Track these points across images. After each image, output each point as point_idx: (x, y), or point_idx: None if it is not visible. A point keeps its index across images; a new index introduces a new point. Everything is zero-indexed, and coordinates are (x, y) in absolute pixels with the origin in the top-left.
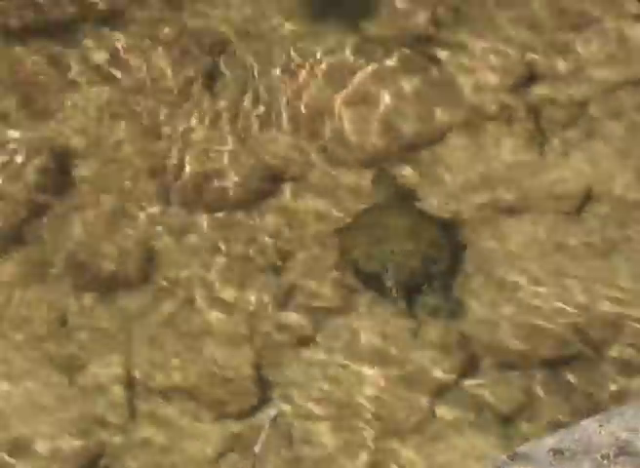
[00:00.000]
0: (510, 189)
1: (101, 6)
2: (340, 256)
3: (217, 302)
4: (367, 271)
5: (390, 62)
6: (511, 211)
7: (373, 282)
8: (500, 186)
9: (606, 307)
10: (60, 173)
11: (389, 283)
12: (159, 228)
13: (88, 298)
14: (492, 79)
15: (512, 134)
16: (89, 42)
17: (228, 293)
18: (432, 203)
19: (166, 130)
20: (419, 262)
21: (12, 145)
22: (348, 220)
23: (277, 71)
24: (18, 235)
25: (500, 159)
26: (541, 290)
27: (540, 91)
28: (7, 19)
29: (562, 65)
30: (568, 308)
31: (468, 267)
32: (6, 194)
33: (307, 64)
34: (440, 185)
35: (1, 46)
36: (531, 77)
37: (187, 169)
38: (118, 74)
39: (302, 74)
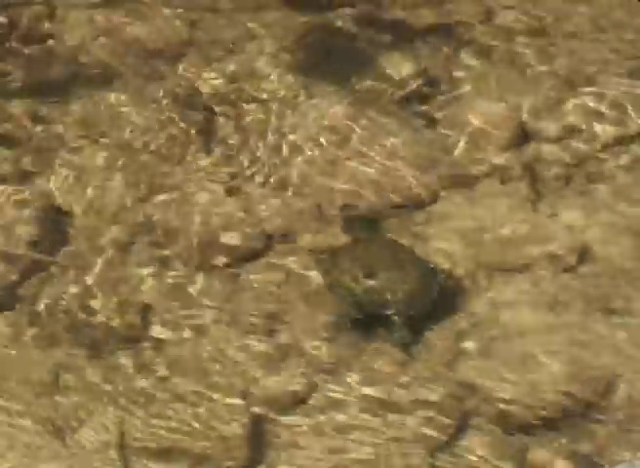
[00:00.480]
0: (504, 247)
1: (94, 66)
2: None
3: (210, 362)
4: (366, 302)
5: (383, 121)
6: (505, 268)
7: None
8: (494, 245)
9: (601, 367)
10: (52, 231)
11: (392, 311)
12: (153, 286)
13: (82, 357)
14: (485, 138)
15: (506, 192)
16: (81, 101)
17: (222, 353)
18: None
19: (160, 187)
20: (413, 288)
21: (4, 204)
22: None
23: (270, 129)
24: (10, 294)
25: (493, 218)
26: (536, 348)
27: (534, 150)
28: (3, 78)
29: (556, 124)
30: (562, 367)
31: (462, 324)
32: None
33: (300, 122)
34: (433, 244)
35: None
36: (525, 136)
37: (179, 227)
38: (112, 132)
39: (295, 132)
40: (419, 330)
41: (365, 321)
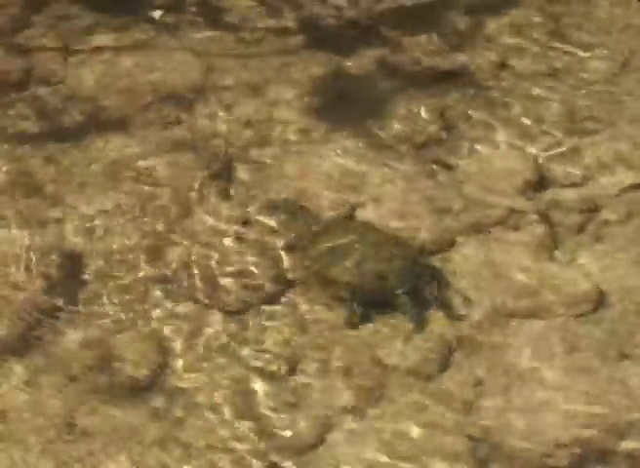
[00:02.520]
0: (520, 293)
1: (109, 111)
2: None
3: (225, 407)
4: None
5: (400, 166)
6: (521, 314)
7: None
8: (510, 290)
9: (616, 413)
10: (68, 275)
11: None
12: (170, 331)
13: (97, 402)
14: (501, 183)
15: (522, 238)
16: (95, 146)
17: (237, 398)
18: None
19: (175, 233)
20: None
21: (18, 250)
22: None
23: (288, 173)
24: (26, 338)
25: (509, 263)
26: (551, 394)
27: (550, 195)
28: (14, 124)
29: (572, 170)
30: (578, 413)
31: (478, 371)
32: (15, 298)
33: (316, 165)
34: (448, 289)
35: (7, 150)
36: (541, 181)
37: (196, 270)
38: (127, 177)
39: (312, 176)
40: (423, 302)
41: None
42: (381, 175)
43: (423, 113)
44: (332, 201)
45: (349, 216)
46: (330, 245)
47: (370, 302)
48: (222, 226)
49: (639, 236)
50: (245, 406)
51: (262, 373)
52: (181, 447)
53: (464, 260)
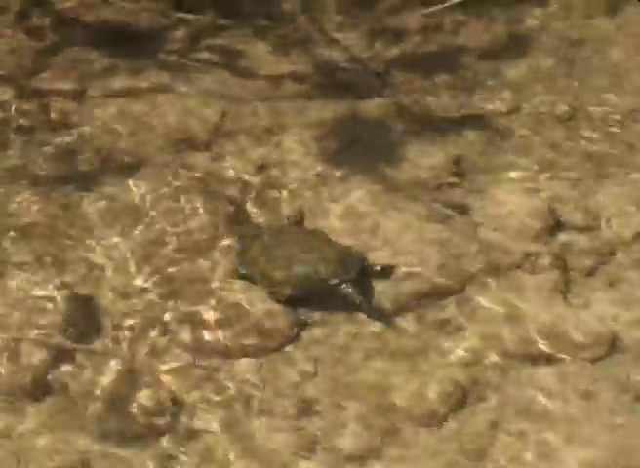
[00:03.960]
0: (534, 336)
1: (122, 155)
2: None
3: (241, 451)
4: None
5: (414, 210)
6: (536, 358)
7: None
8: (524, 334)
9: (632, 459)
10: (79, 319)
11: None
12: (183, 374)
13: (111, 446)
14: (516, 227)
15: (537, 282)
16: (110, 190)
17: (251, 442)
18: (455, 351)
19: (188, 275)
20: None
21: (35, 292)
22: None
23: (299, 217)
24: (40, 381)
25: (523, 307)
26: (567, 438)
27: (564, 239)
28: (29, 167)
29: (587, 213)
30: (594, 456)
31: (492, 415)
32: (31, 341)
33: (329, 209)
34: (462, 332)
35: (22, 193)
36: (555, 225)
37: (213, 315)
38: (138, 222)
39: (324, 219)
40: (365, 288)
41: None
42: (396, 219)
43: (438, 157)
44: (347, 240)
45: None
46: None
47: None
48: (237, 268)
49: None
50: (261, 448)
51: (279, 412)
52: None
53: (478, 304)
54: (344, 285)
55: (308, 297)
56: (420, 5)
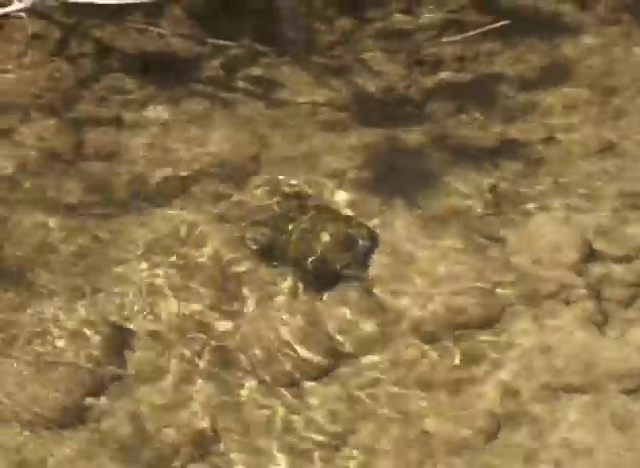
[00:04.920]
0: (570, 367)
1: (158, 185)
2: None
3: None
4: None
5: (450, 239)
6: (571, 389)
7: None
8: (560, 365)
9: None
10: (115, 349)
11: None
12: (219, 404)
13: None
14: (552, 257)
15: (572, 312)
16: (146, 219)
17: None
18: (490, 381)
19: (223, 306)
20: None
21: (66, 322)
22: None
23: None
24: (79, 409)
25: (559, 337)
26: None
27: (600, 269)
28: (65, 197)
29: (621, 244)
30: None
31: (527, 445)
32: (69, 370)
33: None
34: (499, 364)
35: (57, 222)
36: (591, 255)
37: (244, 345)
38: (176, 251)
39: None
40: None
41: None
42: (432, 249)
43: (474, 186)
44: (383, 276)
45: (399, 291)
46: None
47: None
48: (271, 298)
49: None
50: None
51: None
52: None
53: (514, 334)
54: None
55: None
56: (457, 33)
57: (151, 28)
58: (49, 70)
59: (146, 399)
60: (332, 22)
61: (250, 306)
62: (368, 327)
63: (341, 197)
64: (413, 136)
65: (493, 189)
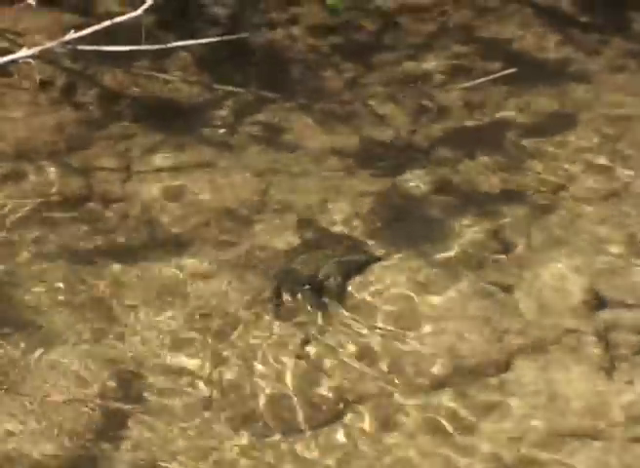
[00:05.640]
0: (578, 414)
1: (167, 231)
2: None
3: None
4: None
5: (456, 286)
6: (579, 436)
7: None
8: (568, 411)
9: None
10: (124, 392)
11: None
12: (224, 449)
13: None
14: (559, 304)
15: (580, 359)
16: (153, 265)
17: None
18: (497, 429)
19: (232, 352)
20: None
21: (76, 366)
22: None
23: (344, 296)
24: (90, 444)
25: (567, 384)
26: None
27: (608, 316)
28: (72, 242)
29: (629, 290)
30: None
31: None
32: (73, 412)
33: (373, 288)
34: (506, 409)
35: (65, 267)
36: (599, 301)
37: (253, 390)
38: (183, 297)
39: (369, 298)
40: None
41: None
42: (438, 295)
43: (480, 233)
44: (388, 317)
45: (404, 340)
46: None
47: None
48: (280, 346)
49: None
50: None
51: None
52: None
53: (522, 381)
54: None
55: None
56: (464, 79)
57: (159, 74)
58: (56, 116)
59: (151, 443)
60: (339, 68)
61: (256, 355)
62: (372, 373)
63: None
64: (419, 181)
65: (500, 236)
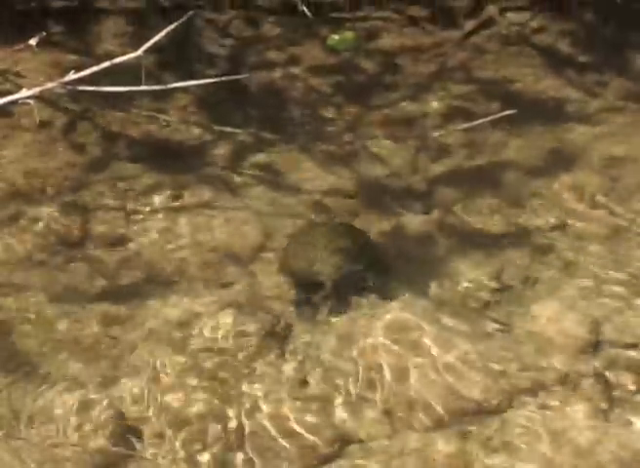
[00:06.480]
0: (577, 455)
1: (168, 272)
2: None
3: None
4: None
5: (457, 326)
6: None
7: None
8: (567, 451)
9: None
10: (124, 439)
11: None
12: None
13: None
14: (558, 344)
15: (579, 399)
16: (153, 306)
17: None
18: None
19: (233, 395)
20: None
21: (74, 411)
22: None
23: (344, 337)
24: None
25: (566, 425)
26: None
27: (607, 356)
28: (71, 283)
29: (629, 331)
30: None
31: None
32: (72, 458)
33: (372, 326)
34: (506, 451)
35: (64, 309)
36: (599, 342)
37: (254, 434)
38: (183, 339)
39: (367, 337)
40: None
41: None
42: (438, 335)
43: (481, 273)
44: (390, 356)
45: (403, 377)
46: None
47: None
48: (280, 387)
49: None
50: None
51: None
52: None
53: (521, 422)
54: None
55: None
56: (463, 120)
57: (158, 115)
58: (56, 156)
59: None
60: (339, 109)
61: (258, 394)
62: (372, 413)
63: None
64: (419, 222)
65: (500, 276)
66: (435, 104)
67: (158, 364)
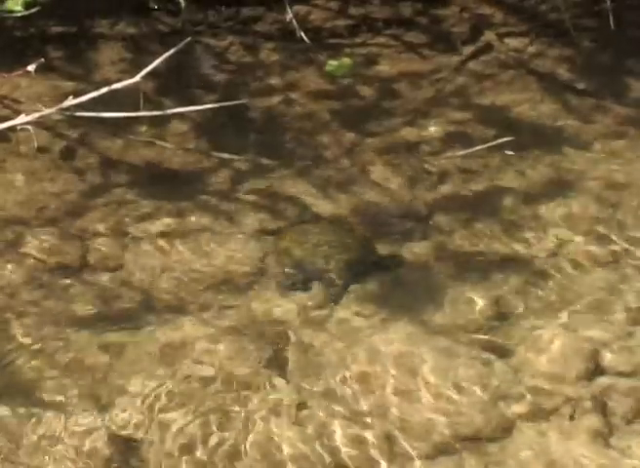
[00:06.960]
0: None
1: (166, 297)
2: None
3: None
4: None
5: (455, 353)
6: None
7: None
8: None
9: None
10: (120, 461)
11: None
12: None
13: None
14: (556, 370)
15: (578, 426)
16: (151, 331)
17: None
18: None
19: (231, 418)
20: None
21: (68, 434)
22: None
23: (342, 365)
24: None
25: (564, 451)
26: None
27: (606, 382)
28: (69, 308)
29: (627, 358)
30: None
31: None
32: None
33: (371, 353)
34: None
35: (62, 334)
36: (597, 368)
37: (252, 455)
38: (181, 363)
39: (366, 364)
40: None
41: None
42: (437, 362)
43: (479, 300)
44: (388, 383)
45: (400, 403)
46: None
47: None
48: (278, 411)
49: None
50: None
51: None
52: None
53: (519, 449)
54: None
55: None
56: (461, 146)
57: (156, 141)
58: (54, 182)
59: None
60: (337, 134)
61: (256, 418)
62: (371, 439)
63: (347, 309)
64: (417, 248)
65: (497, 302)
66: (433, 130)
67: (155, 389)
